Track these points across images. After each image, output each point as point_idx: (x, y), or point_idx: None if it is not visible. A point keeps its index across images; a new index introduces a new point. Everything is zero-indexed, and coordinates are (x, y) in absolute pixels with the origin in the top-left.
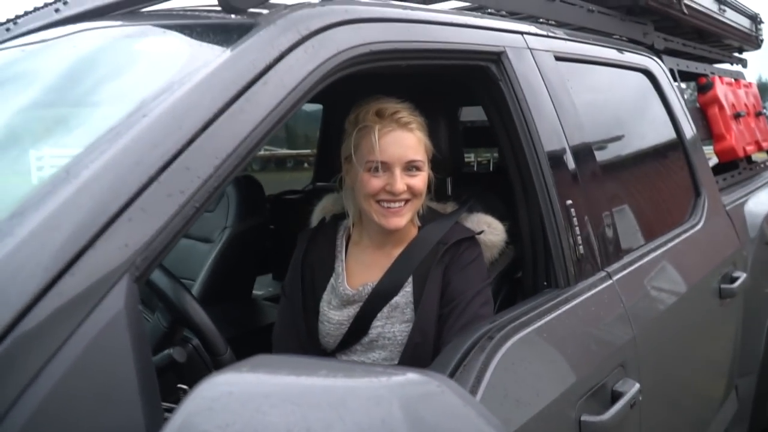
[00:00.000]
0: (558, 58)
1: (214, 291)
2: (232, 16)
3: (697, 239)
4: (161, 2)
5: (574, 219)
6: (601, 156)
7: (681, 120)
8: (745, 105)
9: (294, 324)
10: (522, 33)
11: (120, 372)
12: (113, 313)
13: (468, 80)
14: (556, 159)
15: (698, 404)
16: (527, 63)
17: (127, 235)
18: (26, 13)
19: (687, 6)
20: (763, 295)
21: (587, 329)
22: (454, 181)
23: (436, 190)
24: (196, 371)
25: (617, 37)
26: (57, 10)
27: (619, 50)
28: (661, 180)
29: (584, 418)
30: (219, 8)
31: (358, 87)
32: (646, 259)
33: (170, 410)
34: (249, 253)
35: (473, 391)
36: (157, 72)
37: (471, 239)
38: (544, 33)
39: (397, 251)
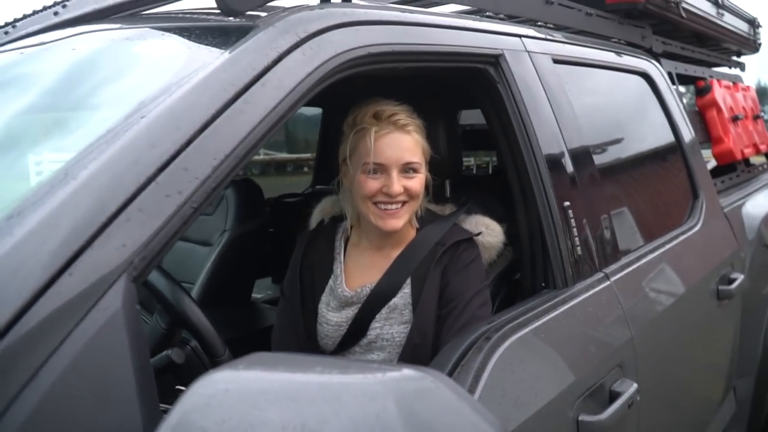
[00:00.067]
0: (556, 61)
1: (214, 294)
2: (231, 18)
3: (695, 241)
4: (159, 5)
5: (572, 220)
6: (599, 158)
7: (679, 123)
8: (743, 108)
9: (293, 326)
10: (520, 36)
11: (118, 371)
12: (111, 313)
13: (466, 83)
14: (554, 161)
15: (696, 405)
16: (525, 66)
17: (125, 236)
18: (25, 17)
19: (685, 9)
20: (761, 296)
21: (585, 330)
22: (453, 183)
23: (434, 192)
24: (194, 373)
25: (615, 40)
26: (56, 13)
27: (618, 53)
28: (659, 182)
29: (582, 417)
30: (217, 11)
31: (358, 90)
32: (644, 261)
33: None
34: (248, 256)
35: (471, 391)
36: (156, 74)
37: (469, 240)
38: (542, 36)
39: (395, 253)
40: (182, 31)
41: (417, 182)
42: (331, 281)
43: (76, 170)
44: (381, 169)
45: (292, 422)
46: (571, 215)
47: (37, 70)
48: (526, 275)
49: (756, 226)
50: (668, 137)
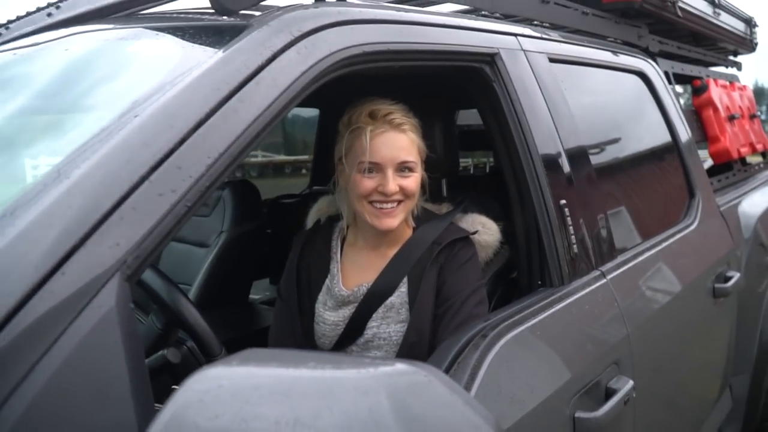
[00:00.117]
0: (552, 60)
1: (211, 295)
2: (224, 18)
3: (691, 239)
4: (152, 6)
5: (569, 219)
6: (595, 156)
7: (675, 122)
8: (740, 107)
9: (290, 325)
10: (516, 35)
11: (112, 370)
12: (104, 312)
13: (463, 82)
14: (550, 159)
15: (692, 402)
16: (521, 64)
17: (119, 234)
18: (18, 18)
19: (681, 9)
20: (757, 294)
21: (581, 327)
22: (450, 183)
23: (431, 191)
24: (191, 373)
25: (612, 39)
26: (49, 15)
27: (614, 52)
28: (656, 181)
29: (578, 414)
30: (211, 10)
31: (355, 90)
32: (640, 259)
33: None
34: (245, 257)
35: (467, 389)
36: (150, 73)
37: (465, 239)
38: (538, 35)
39: (391, 252)
40: (176, 31)
41: (412, 181)
42: (327, 281)
43: (69, 169)
44: (376, 168)
45: (285, 417)
46: (568, 213)
47: (31, 72)
48: (522, 273)
49: (752, 225)
50: (665, 136)
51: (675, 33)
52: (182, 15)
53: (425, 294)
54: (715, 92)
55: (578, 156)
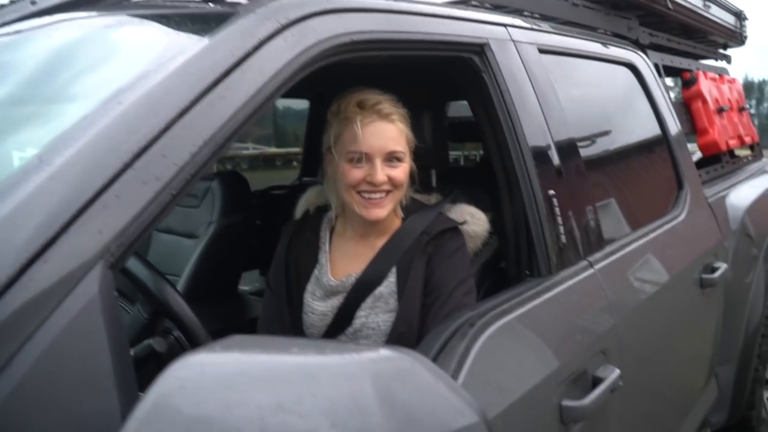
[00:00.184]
0: (541, 51)
1: (201, 286)
2: (211, 5)
3: (679, 230)
4: None
5: (557, 209)
6: (584, 147)
7: (665, 114)
8: (729, 100)
9: (279, 315)
10: (505, 25)
11: (95, 357)
12: (87, 299)
13: (452, 72)
14: (538, 149)
15: (679, 391)
16: (510, 55)
17: (102, 222)
18: (2, 6)
19: (672, 1)
20: (744, 285)
21: (568, 317)
22: (439, 174)
23: (421, 182)
24: None
25: (602, 31)
26: (33, 2)
27: (604, 44)
28: (645, 172)
29: (565, 402)
30: None
31: (345, 81)
32: (628, 249)
33: None
34: (235, 248)
35: (454, 377)
36: (134, 61)
37: (454, 230)
38: (528, 26)
39: (380, 242)
40: (161, 18)
41: (401, 171)
42: (316, 271)
43: (51, 156)
44: (365, 158)
45: (268, 403)
46: (556, 204)
47: (15, 60)
48: (511, 264)
49: (739, 217)
50: (654, 128)
51: (665, 25)
52: (168, 2)
53: (414, 284)
54: (705, 85)
55: (567, 147)
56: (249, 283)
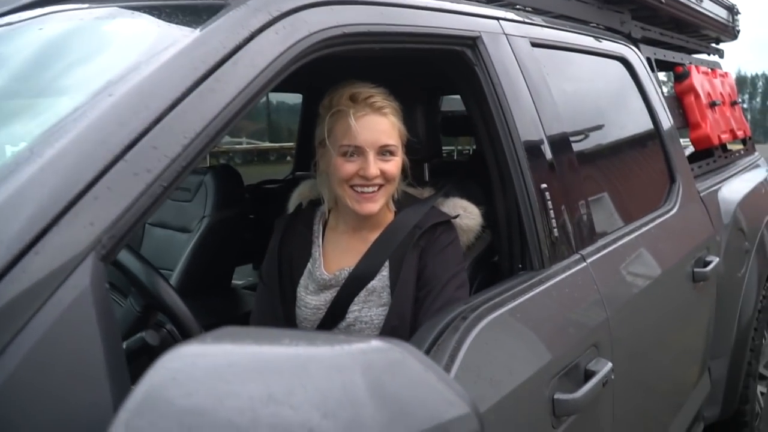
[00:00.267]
0: (534, 44)
1: (194, 280)
2: None
3: (671, 224)
4: None
5: (549, 203)
6: (576, 141)
7: (657, 108)
8: (721, 94)
9: (271, 309)
10: (498, 18)
11: (87, 349)
12: (79, 291)
13: (445, 65)
14: (531, 143)
15: (671, 385)
16: (503, 48)
17: (93, 214)
18: None
19: None
20: (736, 279)
21: (561, 310)
22: (432, 168)
23: (413, 176)
24: None
25: (594, 25)
26: None
27: (596, 38)
28: (637, 166)
29: (557, 396)
30: None
31: (339, 75)
32: (620, 243)
33: None
34: (228, 242)
35: (447, 370)
36: (125, 53)
37: (447, 223)
38: (520, 19)
39: (373, 236)
40: (152, 10)
41: (393, 165)
42: (309, 265)
43: (42, 148)
44: (357, 151)
45: (259, 394)
46: (549, 198)
47: (5, 52)
48: (503, 257)
49: (732, 211)
50: (646, 122)
51: (658, 19)
52: None
53: (406, 278)
54: (697, 79)
55: (560, 141)
56: (242, 277)
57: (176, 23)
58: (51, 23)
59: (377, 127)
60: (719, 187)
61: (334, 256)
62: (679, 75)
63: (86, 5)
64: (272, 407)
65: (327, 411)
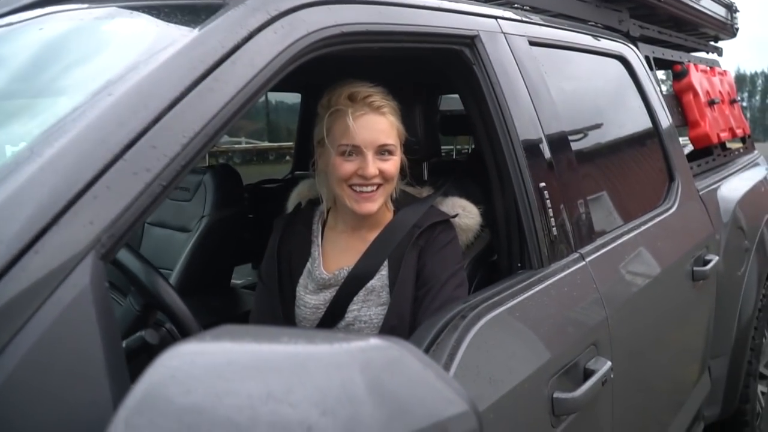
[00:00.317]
0: (532, 43)
1: (193, 280)
2: None
3: (670, 223)
4: None
5: (548, 201)
6: (575, 140)
7: (656, 106)
8: (720, 92)
9: (271, 309)
10: (496, 17)
11: (86, 348)
12: (79, 290)
13: (443, 64)
14: (529, 142)
15: (671, 384)
16: (501, 47)
17: (93, 213)
18: None
19: None
20: (736, 278)
21: (560, 309)
22: (431, 167)
23: (412, 175)
24: None
25: (592, 23)
26: None
27: (594, 36)
28: (636, 165)
29: (556, 395)
30: None
31: (337, 75)
32: (619, 241)
33: None
34: (227, 241)
35: (446, 369)
36: (124, 52)
37: (446, 222)
38: (518, 18)
39: (372, 235)
40: (151, 10)
41: (392, 165)
42: (308, 264)
43: (41, 148)
44: (356, 151)
45: (258, 392)
46: (547, 196)
47: (5, 52)
48: (502, 256)
49: (731, 209)
50: (645, 121)
51: (656, 17)
52: None
53: (405, 277)
54: (696, 77)
55: (558, 139)
56: (241, 276)
57: (175, 23)
58: (51, 23)
59: (376, 126)
60: (718, 186)
61: (333, 256)
62: (678, 73)
63: (86, 5)
64: (271, 405)
65: (326, 408)
